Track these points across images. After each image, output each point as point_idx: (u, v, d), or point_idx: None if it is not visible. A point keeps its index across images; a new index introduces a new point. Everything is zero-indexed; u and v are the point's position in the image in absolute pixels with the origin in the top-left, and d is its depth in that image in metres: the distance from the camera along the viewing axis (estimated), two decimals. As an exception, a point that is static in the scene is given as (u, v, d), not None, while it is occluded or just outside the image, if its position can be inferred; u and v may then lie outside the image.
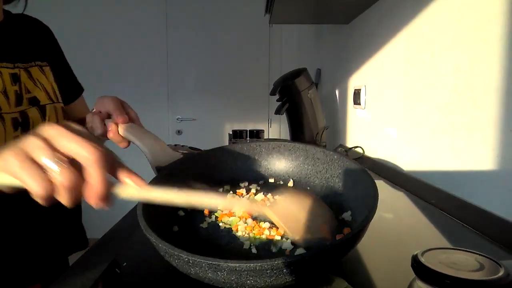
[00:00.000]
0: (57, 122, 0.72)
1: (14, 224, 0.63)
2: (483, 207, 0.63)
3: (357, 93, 1.34)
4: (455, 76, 0.73)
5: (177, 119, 3.11)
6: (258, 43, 3.06)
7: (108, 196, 0.36)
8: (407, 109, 0.95)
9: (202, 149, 1.06)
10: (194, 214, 0.52)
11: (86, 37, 2.96)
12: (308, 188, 0.55)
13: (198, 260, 0.34)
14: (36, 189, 0.32)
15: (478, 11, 0.66)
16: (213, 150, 0.58)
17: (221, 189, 0.55)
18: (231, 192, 0.56)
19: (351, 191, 0.50)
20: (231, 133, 1.15)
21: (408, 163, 0.95)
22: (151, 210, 0.44)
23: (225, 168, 0.57)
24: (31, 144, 0.33)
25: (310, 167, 0.56)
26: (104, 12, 2.98)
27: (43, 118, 0.68)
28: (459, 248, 0.35)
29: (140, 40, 3.01)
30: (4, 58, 0.67)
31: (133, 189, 0.38)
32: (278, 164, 0.58)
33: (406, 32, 0.96)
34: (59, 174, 0.33)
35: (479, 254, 0.34)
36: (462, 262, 0.32)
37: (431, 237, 0.61)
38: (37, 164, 0.33)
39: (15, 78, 0.67)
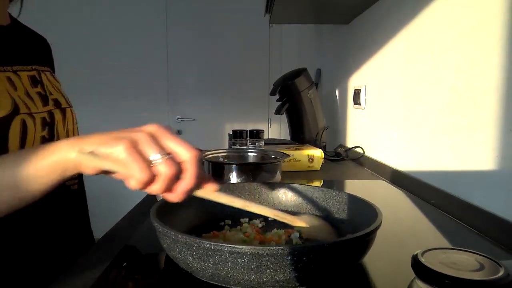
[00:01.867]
0: (73, 125, 0.73)
1: (21, 229, 0.63)
2: (483, 207, 0.63)
3: (357, 93, 1.34)
4: (455, 76, 0.73)
5: (177, 119, 3.10)
6: (258, 43, 3.06)
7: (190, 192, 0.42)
8: (407, 109, 0.95)
9: (202, 149, 1.06)
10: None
11: (85, 37, 2.96)
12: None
13: (220, 245, 0.35)
14: (140, 177, 0.38)
15: (478, 11, 0.66)
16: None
17: (222, 223, 0.57)
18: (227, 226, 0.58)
19: (351, 222, 0.52)
20: (231, 133, 1.14)
21: (408, 163, 0.95)
22: (163, 212, 0.47)
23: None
24: (140, 138, 0.40)
25: (309, 205, 0.58)
26: (104, 12, 2.98)
27: (64, 120, 0.68)
28: (459, 248, 0.35)
29: (140, 40, 3.01)
30: (19, 60, 0.66)
31: (207, 192, 0.45)
32: (278, 204, 0.61)
33: (406, 32, 0.96)
34: (164, 166, 0.39)
35: (479, 254, 0.34)
36: (462, 262, 0.32)
37: (431, 237, 0.61)
38: (143, 155, 0.39)
39: (35, 80, 0.66)
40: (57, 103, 0.69)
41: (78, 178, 0.74)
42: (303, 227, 0.49)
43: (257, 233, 0.53)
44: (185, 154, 0.41)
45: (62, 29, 2.81)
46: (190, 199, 0.56)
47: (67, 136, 0.70)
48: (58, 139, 0.67)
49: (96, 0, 2.98)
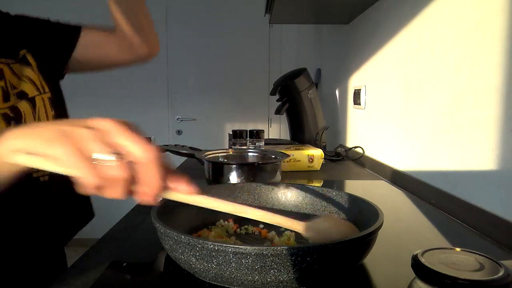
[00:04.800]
0: (46, 112, 0.70)
1: None
2: (483, 207, 0.63)
3: (357, 93, 1.34)
4: (455, 76, 0.73)
5: (177, 119, 3.11)
6: (258, 43, 3.06)
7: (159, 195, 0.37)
8: (407, 109, 0.95)
9: (202, 149, 1.06)
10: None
11: (86, 37, 2.96)
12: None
13: (224, 246, 0.35)
14: (89, 181, 0.33)
15: (478, 11, 0.66)
16: (217, 187, 0.61)
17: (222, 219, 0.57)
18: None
19: (352, 222, 0.52)
20: (231, 133, 1.14)
21: (408, 163, 0.95)
22: (164, 213, 0.46)
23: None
24: (82, 135, 0.34)
25: (308, 205, 0.59)
26: (104, 12, 2.98)
27: (34, 109, 0.67)
28: (459, 248, 0.35)
29: (140, 40, 3.00)
30: None
31: (181, 195, 0.40)
32: (277, 204, 0.61)
33: (406, 32, 0.96)
34: (114, 169, 0.33)
35: (479, 254, 0.33)
36: (462, 262, 0.32)
37: (431, 237, 0.61)
38: (87, 155, 0.33)
39: (0, 75, 0.65)
40: (21, 95, 0.66)
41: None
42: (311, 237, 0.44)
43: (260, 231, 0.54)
44: (140, 155, 0.34)
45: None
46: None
47: None
48: None
49: (96, 0, 2.98)
